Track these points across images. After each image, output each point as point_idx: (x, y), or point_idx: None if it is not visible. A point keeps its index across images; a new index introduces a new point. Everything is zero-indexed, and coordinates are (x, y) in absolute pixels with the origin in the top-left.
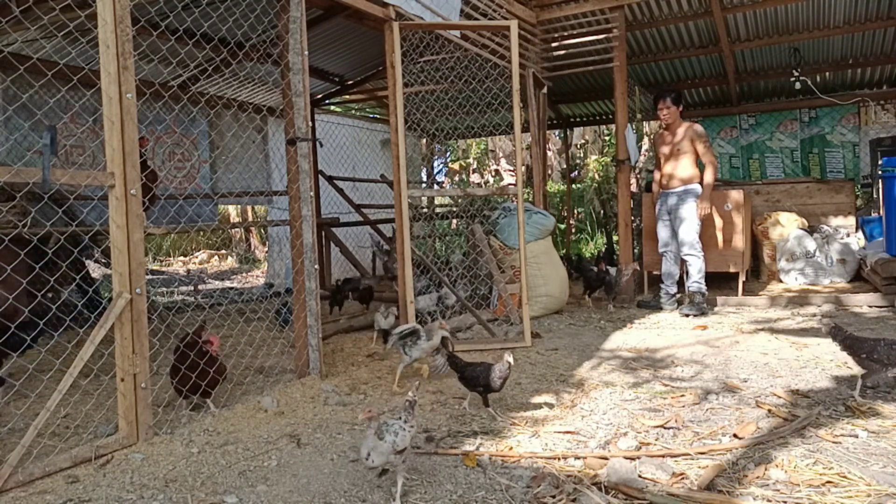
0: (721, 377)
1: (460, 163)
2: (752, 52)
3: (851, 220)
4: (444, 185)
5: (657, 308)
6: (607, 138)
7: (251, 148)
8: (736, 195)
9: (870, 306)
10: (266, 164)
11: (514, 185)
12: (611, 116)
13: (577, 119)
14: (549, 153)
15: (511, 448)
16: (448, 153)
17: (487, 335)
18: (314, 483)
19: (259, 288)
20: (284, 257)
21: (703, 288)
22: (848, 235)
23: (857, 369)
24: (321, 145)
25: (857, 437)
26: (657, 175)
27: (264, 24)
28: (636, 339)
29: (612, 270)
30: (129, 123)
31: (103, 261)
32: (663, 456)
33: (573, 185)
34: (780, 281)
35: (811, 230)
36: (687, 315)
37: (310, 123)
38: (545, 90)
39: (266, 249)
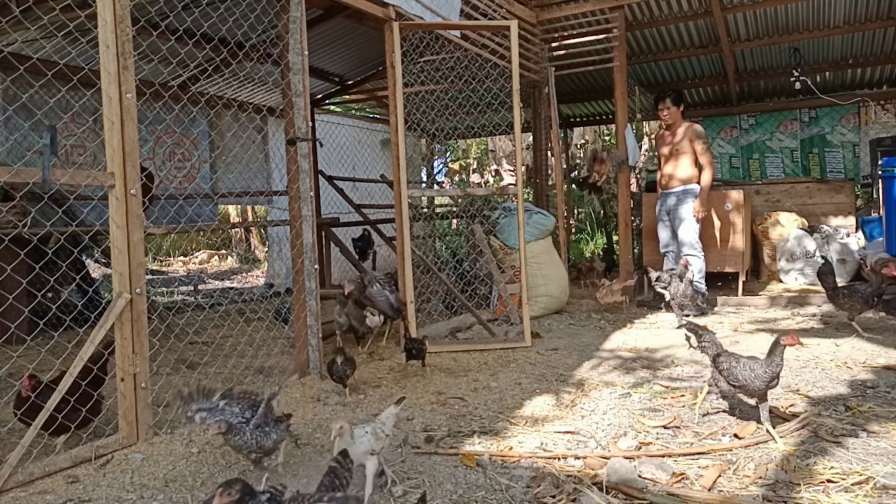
0: None
1: (460, 163)
2: (752, 52)
3: (851, 220)
4: (444, 185)
5: (657, 308)
6: (607, 138)
7: (251, 148)
8: (736, 195)
9: None
10: (266, 164)
11: (514, 185)
12: (611, 116)
13: (577, 119)
14: (549, 153)
15: (511, 448)
16: (448, 153)
17: (487, 335)
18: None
19: (259, 288)
20: (284, 257)
21: (703, 288)
22: (848, 235)
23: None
24: (321, 145)
25: (857, 437)
26: (659, 175)
27: (264, 24)
28: (636, 339)
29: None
30: (129, 123)
31: (103, 261)
32: (663, 456)
33: (573, 186)
34: (780, 281)
35: (811, 230)
36: (687, 315)
37: (310, 123)
38: (547, 90)
39: (266, 249)
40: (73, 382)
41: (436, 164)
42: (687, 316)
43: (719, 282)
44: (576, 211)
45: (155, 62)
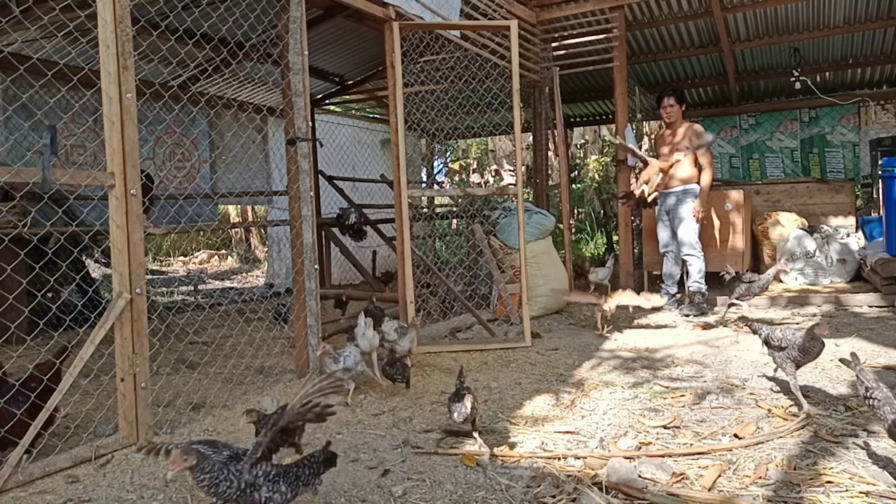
0: (721, 377)
1: (460, 163)
2: (752, 52)
3: (851, 220)
4: (444, 185)
5: (657, 308)
6: (607, 138)
7: (251, 148)
8: (736, 195)
9: (870, 306)
10: (266, 164)
11: (514, 185)
12: (611, 116)
13: (577, 119)
14: (549, 153)
15: (511, 448)
16: (448, 153)
17: (487, 335)
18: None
19: (259, 288)
20: (284, 257)
21: (704, 288)
22: (848, 235)
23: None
24: (321, 145)
25: (856, 436)
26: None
27: (264, 24)
28: (636, 339)
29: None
30: (129, 123)
31: (103, 261)
32: (663, 456)
33: (573, 185)
34: (780, 281)
35: (811, 230)
36: (687, 315)
37: (310, 123)
38: (548, 90)
39: (266, 249)
40: (15, 393)
41: (436, 164)
42: (686, 316)
43: (719, 282)
44: (576, 211)
45: (155, 62)
